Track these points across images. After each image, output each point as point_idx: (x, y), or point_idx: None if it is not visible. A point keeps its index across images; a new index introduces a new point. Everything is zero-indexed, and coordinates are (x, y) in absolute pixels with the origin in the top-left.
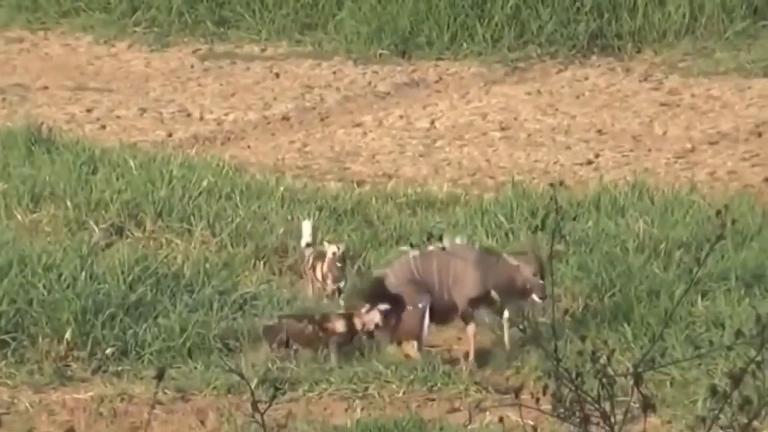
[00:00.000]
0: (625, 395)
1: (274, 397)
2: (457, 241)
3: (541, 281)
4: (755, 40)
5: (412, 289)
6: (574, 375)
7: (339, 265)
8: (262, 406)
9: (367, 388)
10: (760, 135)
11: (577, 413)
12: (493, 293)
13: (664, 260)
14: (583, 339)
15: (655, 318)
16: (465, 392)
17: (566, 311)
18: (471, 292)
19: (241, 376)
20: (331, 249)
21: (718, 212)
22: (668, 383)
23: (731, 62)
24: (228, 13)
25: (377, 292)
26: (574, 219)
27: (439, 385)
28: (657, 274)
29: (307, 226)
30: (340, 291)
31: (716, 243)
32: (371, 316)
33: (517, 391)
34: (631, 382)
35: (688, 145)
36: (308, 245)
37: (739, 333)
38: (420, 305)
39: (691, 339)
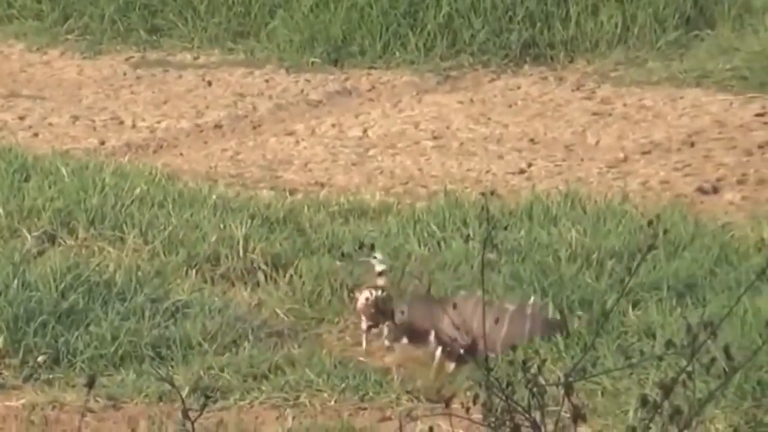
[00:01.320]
0: (556, 405)
1: (204, 405)
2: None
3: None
4: (687, 50)
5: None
6: (504, 384)
7: (372, 311)
8: (193, 414)
9: (298, 397)
10: (692, 145)
11: (508, 423)
12: None
13: (596, 270)
14: (513, 348)
15: (586, 328)
16: (396, 401)
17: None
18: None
19: (172, 384)
20: (363, 295)
21: (650, 222)
22: (599, 393)
23: (663, 72)
24: (160, 22)
25: None
26: (506, 228)
27: (370, 393)
28: (589, 283)
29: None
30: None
31: (648, 252)
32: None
33: (448, 401)
34: (562, 392)
35: (621, 155)
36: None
37: (669, 343)
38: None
39: (623, 349)
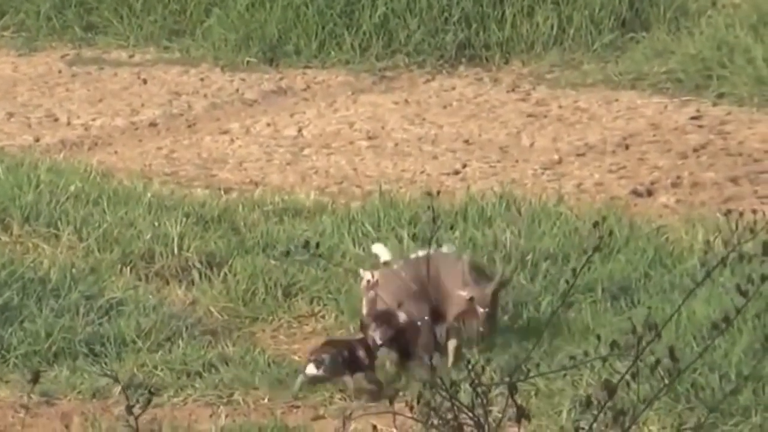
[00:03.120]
0: (495, 406)
1: (149, 401)
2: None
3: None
4: (623, 52)
5: (411, 301)
6: (448, 384)
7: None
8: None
9: (232, 395)
10: (627, 147)
11: (451, 422)
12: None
13: (531, 271)
14: (457, 350)
15: (520, 329)
16: (330, 400)
17: None
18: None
19: (115, 379)
20: (366, 276)
21: (596, 224)
22: (533, 393)
23: (599, 74)
24: (96, 19)
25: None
26: (452, 228)
27: (303, 392)
28: (523, 285)
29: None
30: None
31: (593, 254)
32: (379, 333)
33: (392, 399)
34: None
35: (556, 157)
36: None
37: (614, 344)
38: (425, 317)
39: (559, 350)
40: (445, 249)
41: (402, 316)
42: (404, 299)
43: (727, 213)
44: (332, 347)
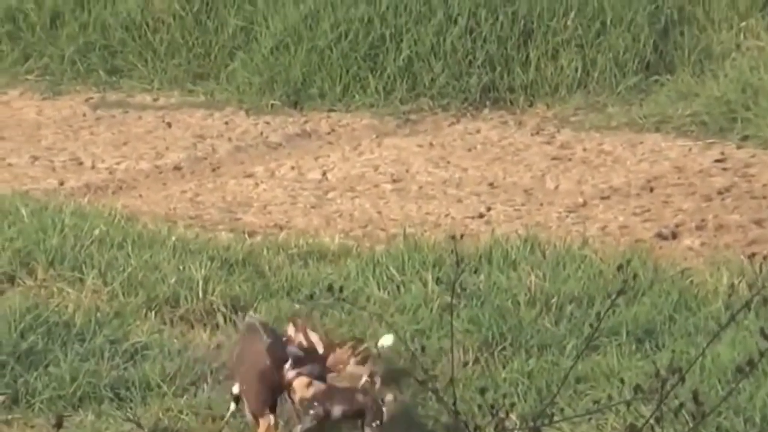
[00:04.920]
0: None
1: None
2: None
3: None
4: (647, 95)
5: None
6: (472, 428)
7: None
8: None
9: None
10: (651, 190)
11: None
12: None
13: (556, 314)
14: (482, 392)
15: (546, 372)
16: None
17: (465, 364)
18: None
19: (139, 424)
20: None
21: (620, 267)
22: None
23: (623, 117)
24: (120, 62)
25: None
26: (476, 272)
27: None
28: (548, 328)
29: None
30: None
31: (617, 297)
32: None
33: None
34: None
35: (580, 200)
36: None
37: (638, 388)
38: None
39: (584, 394)
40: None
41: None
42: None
43: (752, 256)
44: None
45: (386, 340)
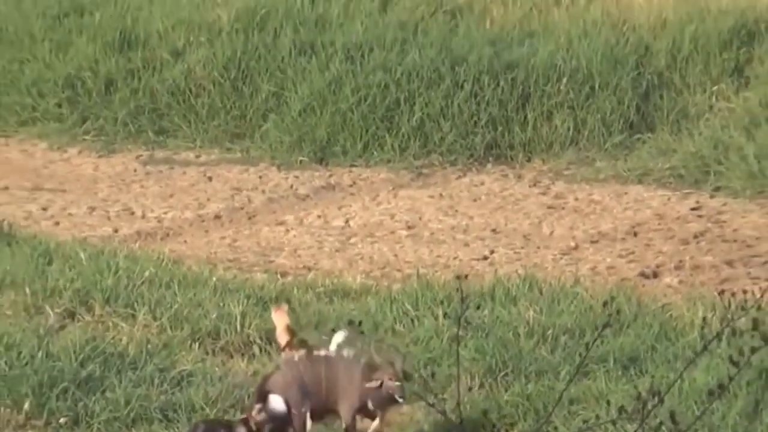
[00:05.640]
0: None
1: None
2: (340, 339)
3: (398, 384)
4: (631, 151)
5: (297, 391)
6: None
7: None
8: None
9: None
10: (635, 235)
11: None
12: (370, 404)
13: (551, 344)
14: (486, 413)
15: (542, 395)
16: None
17: (469, 389)
18: (354, 404)
19: None
20: None
21: (605, 303)
22: None
23: (610, 170)
24: (167, 124)
25: (264, 393)
26: (478, 308)
27: None
28: (545, 356)
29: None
30: None
31: (603, 330)
32: (261, 416)
33: None
34: None
35: (572, 243)
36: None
37: (622, 409)
38: (302, 410)
39: (576, 414)
40: (345, 352)
41: (278, 404)
42: (291, 390)
43: (722, 293)
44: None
45: (338, 336)
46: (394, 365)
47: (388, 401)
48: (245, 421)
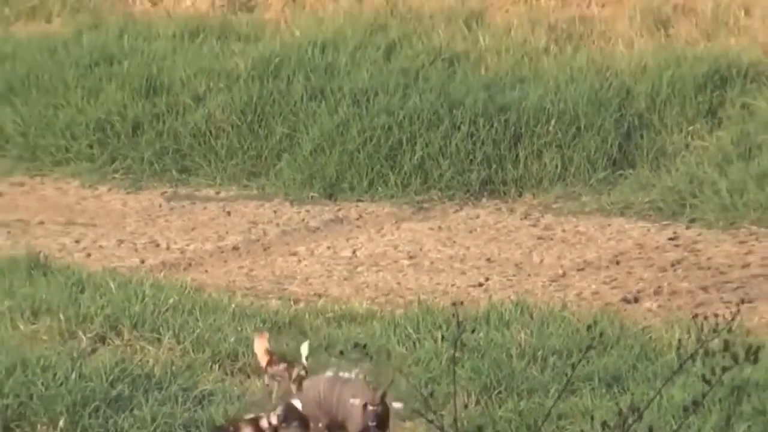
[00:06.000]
0: None
1: None
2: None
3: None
4: (614, 186)
5: (316, 408)
6: None
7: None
8: None
9: None
10: (618, 263)
11: None
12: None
13: (541, 364)
14: (481, 428)
15: (533, 411)
16: None
17: (465, 406)
18: (358, 426)
19: None
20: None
21: (589, 327)
22: None
23: (595, 204)
24: (189, 163)
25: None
26: (473, 332)
27: None
28: (535, 376)
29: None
30: None
31: (587, 351)
32: (272, 418)
33: None
34: None
35: (560, 271)
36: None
37: (605, 424)
38: (320, 425)
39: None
40: (346, 374)
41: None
42: (311, 406)
43: (696, 316)
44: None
45: (304, 348)
46: (377, 390)
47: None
48: (255, 421)
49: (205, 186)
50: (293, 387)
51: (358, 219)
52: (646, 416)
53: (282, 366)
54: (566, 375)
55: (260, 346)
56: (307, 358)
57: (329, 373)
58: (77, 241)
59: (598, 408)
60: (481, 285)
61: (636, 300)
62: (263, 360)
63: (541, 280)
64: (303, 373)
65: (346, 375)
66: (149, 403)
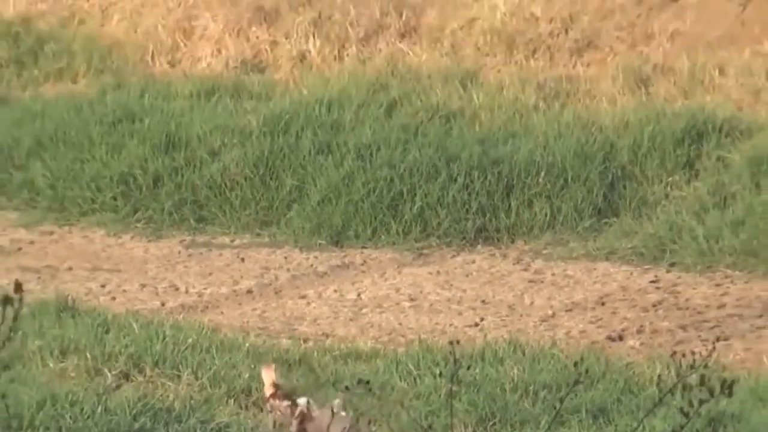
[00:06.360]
0: None
1: None
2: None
3: None
4: (599, 233)
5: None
6: None
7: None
8: None
9: None
10: (603, 304)
11: None
12: None
13: (532, 398)
14: None
15: None
16: None
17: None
18: None
19: None
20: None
21: (576, 363)
22: None
23: (581, 250)
24: (206, 213)
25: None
26: (468, 368)
27: None
28: (527, 408)
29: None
30: None
31: (574, 386)
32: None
33: None
34: None
35: (550, 312)
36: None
37: None
38: None
39: None
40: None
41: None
42: None
43: (675, 353)
44: None
45: (337, 405)
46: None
47: None
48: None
49: (221, 234)
50: (294, 423)
51: (362, 264)
52: None
53: (285, 403)
54: (555, 408)
55: (267, 377)
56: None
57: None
58: (103, 286)
59: None
60: (476, 325)
61: (620, 338)
62: (268, 391)
63: (533, 320)
64: (305, 410)
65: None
66: None
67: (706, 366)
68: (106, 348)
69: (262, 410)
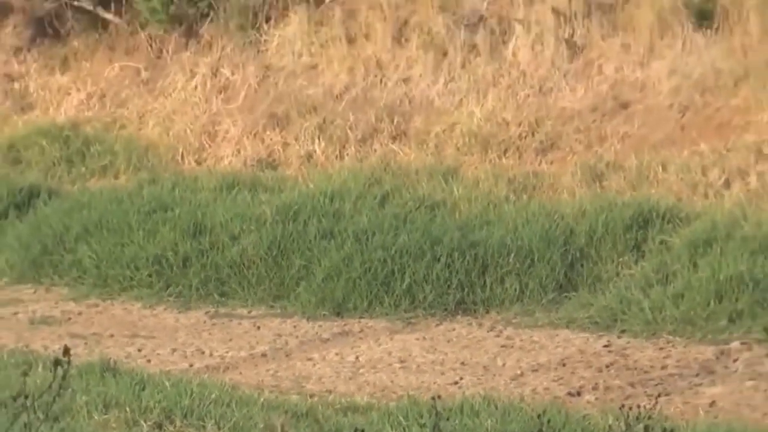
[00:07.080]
0: None
1: None
2: None
3: None
4: (561, 305)
5: None
6: None
7: None
8: None
9: None
10: (564, 365)
11: None
12: None
13: None
14: None
15: None
16: None
17: None
18: None
19: None
20: None
21: (539, 415)
22: None
23: (546, 319)
24: (227, 289)
25: None
26: (448, 419)
27: None
28: None
29: None
30: None
31: None
32: None
33: None
34: None
35: (519, 372)
36: None
37: None
38: None
39: None
40: None
41: None
42: None
43: (623, 406)
44: None
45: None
46: None
47: None
48: None
49: (240, 306)
50: None
51: (360, 332)
52: None
53: None
54: None
55: None
56: None
57: None
58: (139, 350)
59: None
60: (456, 383)
61: (578, 394)
62: None
63: (504, 379)
64: None
65: None
66: None
67: (650, 417)
68: (143, 403)
69: None
